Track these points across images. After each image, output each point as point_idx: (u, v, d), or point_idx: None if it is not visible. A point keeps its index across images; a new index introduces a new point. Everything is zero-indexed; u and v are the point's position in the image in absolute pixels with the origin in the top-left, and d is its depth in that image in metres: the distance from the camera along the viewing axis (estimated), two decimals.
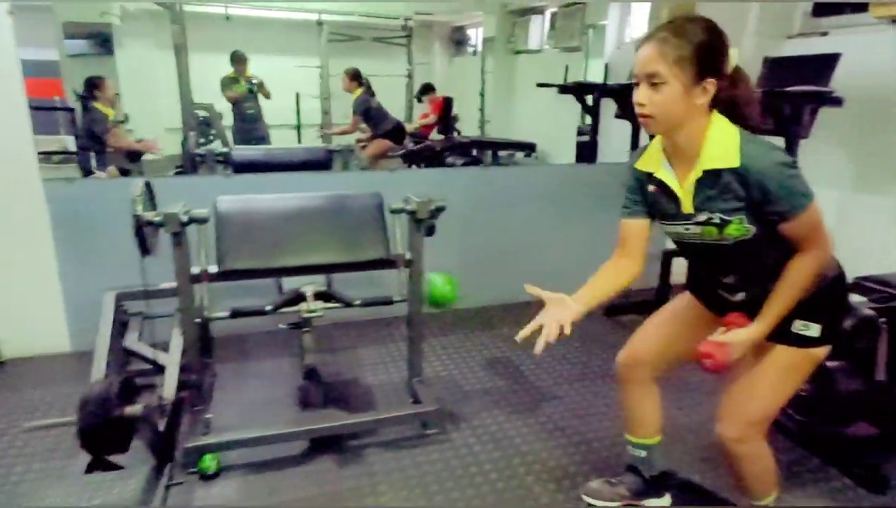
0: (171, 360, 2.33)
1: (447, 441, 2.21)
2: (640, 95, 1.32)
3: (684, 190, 1.38)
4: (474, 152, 5.78)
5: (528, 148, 5.82)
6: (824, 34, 3.44)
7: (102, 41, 5.41)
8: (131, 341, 2.46)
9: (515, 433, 2.27)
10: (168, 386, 2.24)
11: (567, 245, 3.63)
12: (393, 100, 6.16)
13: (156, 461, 1.92)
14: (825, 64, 2.65)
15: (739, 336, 1.39)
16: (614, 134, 4.08)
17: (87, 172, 4.30)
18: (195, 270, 2.03)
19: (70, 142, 4.52)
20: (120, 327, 2.44)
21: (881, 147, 3.16)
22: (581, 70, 5.35)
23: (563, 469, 2.06)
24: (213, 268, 2.05)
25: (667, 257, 3.29)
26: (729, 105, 1.34)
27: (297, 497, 1.90)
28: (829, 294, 1.41)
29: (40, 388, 2.52)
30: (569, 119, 5.00)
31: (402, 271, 2.23)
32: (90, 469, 1.85)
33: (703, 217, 1.37)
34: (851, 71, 2.72)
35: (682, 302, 1.69)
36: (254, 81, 5.75)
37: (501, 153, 5.87)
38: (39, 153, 2.73)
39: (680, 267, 1.73)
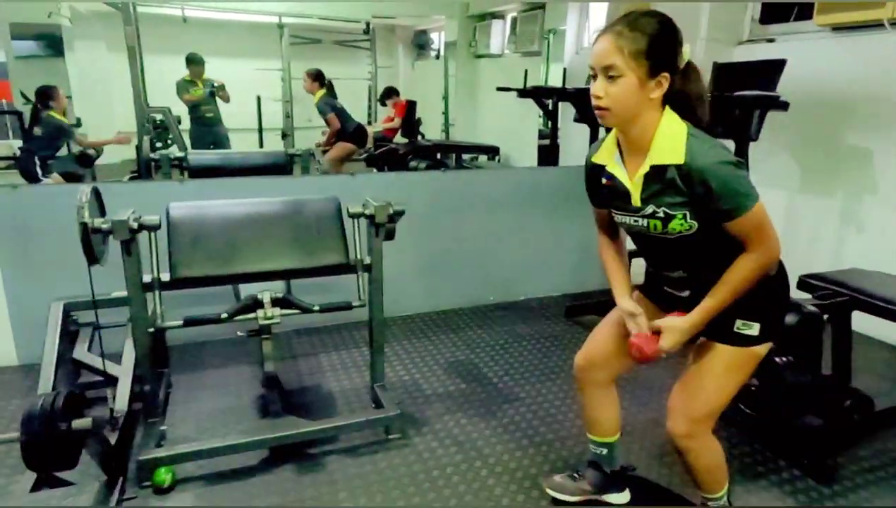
0: (124, 371, 2.28)
1: (409, 445, 2.20)
2: (597, 88, 1.33)
3: (633, 183, 1.41)
4: (438, 155, 5.80)
5: (492, 151, 5.86)
6: (771, 41, 3.58)
7: (52, 42, 5.23)
8: (81, 352, 2.38)
9: (477, 435, 2.28)
10: (120, 398, 2.18)
11: (529, 247, 3.67)
12: (356, 104, 6.13)
13: (107, 475, 1.86)
14: (772, 69, 2.76)
15: (674, 323, 1.43)
16: (574, 137, 4.14)
17: (32, 178, 4.15)
18: (147, 278, 1.98)
19: (17, 147, 4.37)
20: (69, 338, 2.36)
21: (826, 149, 3.30)
22: (541, 74, 5.42)
23: (524, 470, 2.07)
24: (166, 276, 2.00)
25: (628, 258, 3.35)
26: (681, 100, 1.36)
27: (255, 506, 1.87)
28: (769, 293, 1.44)
29: None
30: (530, 123, 5.06)
31: (361, 276, 2.22)
32: (37, 486, 1.78)
33: (649, 210, 1.40)
34: (797, 76, 2.83)
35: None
36: (214, 84, 5.64)
37: (465, 156, 5.90)
38: None
39: (640, 268, 1.77)
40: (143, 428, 2.12)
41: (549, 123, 4.33)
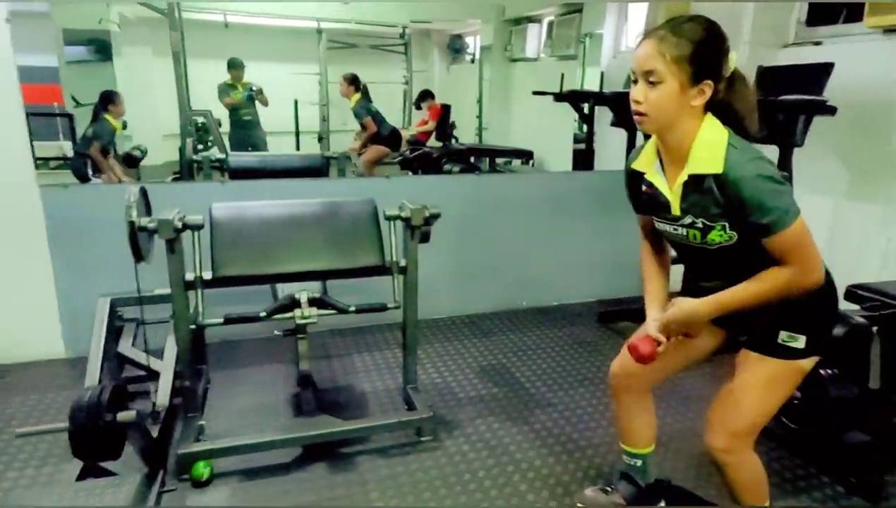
0: (165, 366, 2.34)
1: (441, 448, 2.20)
2: (637, 92, 1.31)
3: (673, 192, 1.38)
4: (471, 159, 5.80)
5: (525, 155, 5.82)
6: (818, 43, 3.46)
7: (101, 48, 5.42)
8: (125, 347, 2.46)
9: (510, 440, 2.26)
10: (162, 393, 2.24)
11: (562, 251, 3.64)
12: (391, 107, 6.19)
13: (148, 467, 1.92)
14: (819, 73, 2.67)
15: (684, 301, 1.40)
16: (611, 142, 4.10)
17: (84, 178, 4.31)
18: (190, 276, 2.03)
19: (68, 148, 4.54)
20: (114, 333, 2.44)
21: (875, 155, 3.18)
22: (577, 78, 5.37)
23: (556, 476, 2.05)
24: (208, 275, 2.05)
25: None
26: (725, 109, 1.33)
27: (288, 503, 1.90)
28: (816, 305, 1.39)
29: (35, 394, 2.52)
30: (565, 127, 5.02)
31: (396, 278, 2.24)
32: (82, 475, 1.85)
33: (688, 220, 1.37)
34: (845, 80, 2.74)
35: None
36: (253, 88, 5.78)
37: (498, 160, 5.89)
38: (37, 159, 2.73)
39: (677, 275, 1.74)
40: (183, 423, 2.18)
41: (585, 127, 4.29)
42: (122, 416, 1.66)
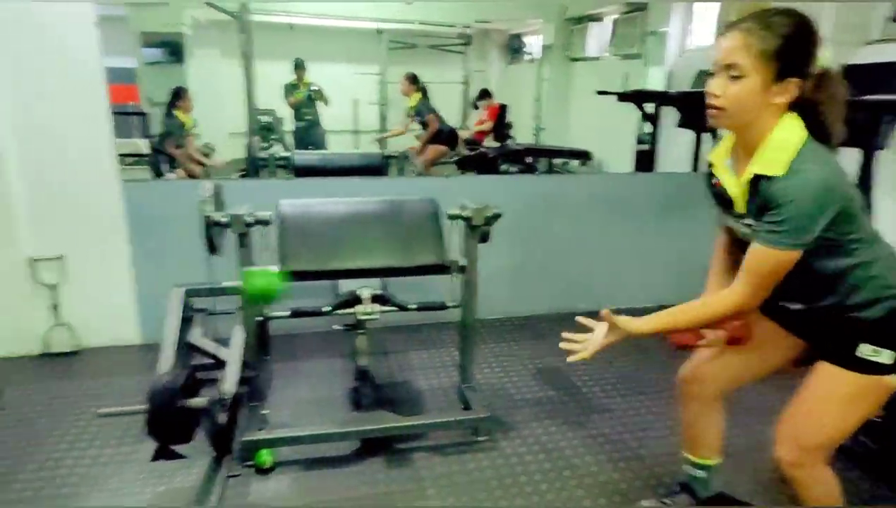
0: (232, 356, 2.42)
1: (496, 448, 2.20)
2: (715, 85, 1.25)
3: (740, 189, 1.33)
4: (528, 159, 5.76)
5: (583, 156, 5.74)
6: None
7: (174, 50, 5.70)
8: (195, 336, 2.56)
9: (566, 444, 2.24)
10: (229, 381, 2.31)
11: (622, 254, 3.56)
12: (449, 107, 6.22)
13: (215, 453, 2.00)
14: None
15: (624, 318, 1.38)
16: (675, 143, 3.98)
17: (159, 174, 4.53)
18: None
19: (143, 146, 4.79)
20: (185, 322, 2.55)
21: None
22: (640, 78, 5.25)
23: (614, 483, 2.02)
24: (275, 269, 2.11)
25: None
26: (809, 109, 1.25)
27: (347, 496, 1.94)
28: None
29: (112, 377, 2.67)
30: (625, 127, 4.92)
31: (455, 277, 2.25)
32: (156, 457, 1.94)
33: (749, 219, 1.32)
34: None
35: (752, 318, 1.62)
36: (313, 88, 5.94)
37: (555, 161, 5.82)
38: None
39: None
40: (248, 411, 2.26)
41: (648, 128, 4.19)
42: (195, 402, 1.74)
